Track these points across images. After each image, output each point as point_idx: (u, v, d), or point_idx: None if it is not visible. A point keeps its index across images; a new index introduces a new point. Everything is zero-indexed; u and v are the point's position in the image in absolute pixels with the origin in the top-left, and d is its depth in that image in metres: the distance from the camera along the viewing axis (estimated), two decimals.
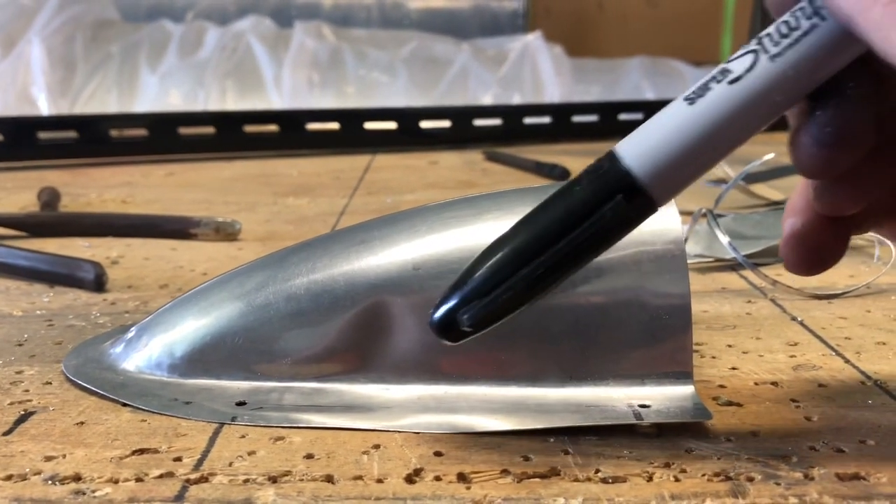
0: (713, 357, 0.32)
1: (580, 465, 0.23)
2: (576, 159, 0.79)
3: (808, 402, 0.27)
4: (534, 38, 1.31)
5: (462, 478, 0.23)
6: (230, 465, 0.23)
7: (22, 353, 0.33)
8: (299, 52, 1.22)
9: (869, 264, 0.44)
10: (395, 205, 0.63)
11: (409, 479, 0.23)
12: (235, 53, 1.22)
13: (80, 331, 0.35)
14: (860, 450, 0.24)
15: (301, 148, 0.92)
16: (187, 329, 0.29)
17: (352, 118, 0.94)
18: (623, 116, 1.02)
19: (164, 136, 0.87)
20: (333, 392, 0.27)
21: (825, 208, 0.23)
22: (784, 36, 0.19)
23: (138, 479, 0.23)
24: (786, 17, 0.19)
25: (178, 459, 0.24)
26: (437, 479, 0.23)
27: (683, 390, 0.26)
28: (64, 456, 0.24)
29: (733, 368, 0.30)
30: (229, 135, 0.89)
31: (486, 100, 1.24)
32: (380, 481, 0.22)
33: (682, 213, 0.24)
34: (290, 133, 0.92)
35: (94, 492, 0.22)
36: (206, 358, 0.28)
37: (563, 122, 1.00)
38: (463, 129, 0.97)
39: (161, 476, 0.23)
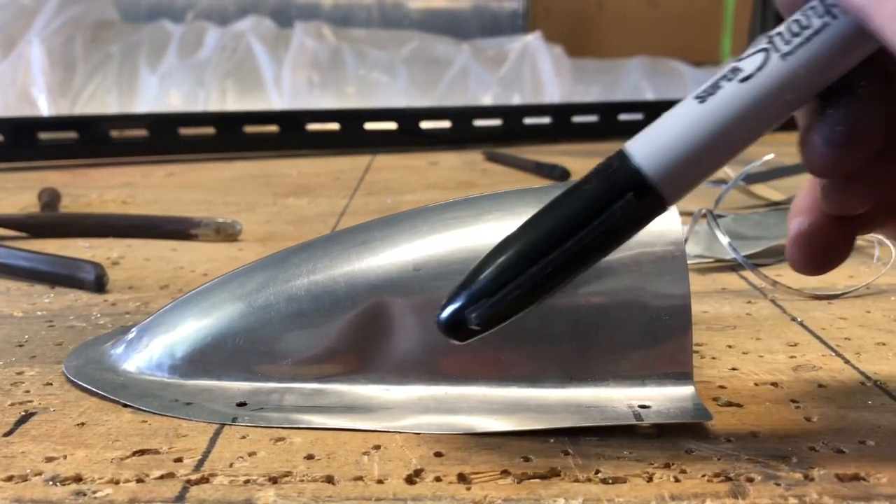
0: (713, 358, 0.32)
1: (580, 465, 0.23)
2: (576, 160, 0.79)
3: (807, 403, 0.27)
4: (534, 39, 1.31)
5: (462, 478, 0.23)
6: (231, 465, 0.23)
7: (23, 353, 0.33)
8: (299, 53, 1.22)
9: (869, 265, 0.44)
10: (395, 205, 0.63)
11: (410, 480, 0.23)
12: (235, 54, 1.22)
13: (81, 332, 0.35)
14: (860, 450, 0.24)
15: (301, 148, 0.92)
16: (188, 330, 0.29)
17: (352, 118, 0.94)
18: (623, 117, 1.02)
19: (164, 137, 0.87)
20: (334, 393, 0.27)
21: (833, 207, 0.23)
22: (795, 34, 0.19)
23: (139, 480, 0.23)
24: (797, 15, 0.19)
25: (179, 460, 0.24)
26: (438, 479, 0.23)
27: (683, 391, 0.26)
28: (65, 457, 0.24)
29: (733, 369, 0.30)
30: (229, 135, 0.89)
31: (486, 100, 1.24)
32: (380, 482, 0.22)
33: (682, 213, 0.24)
34: (290, 133, 0.92)
35: (94, 493, 0.22)
36: (206, 359, 0.28)
37: (562, 123, 1.01)
38: (463, 130, 0.97)
39: (162, 477, 0.23)
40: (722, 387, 0.29)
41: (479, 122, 0.98)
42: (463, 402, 0.26)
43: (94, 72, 1.19)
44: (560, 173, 0.72)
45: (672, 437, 0.25)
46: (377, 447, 0.25)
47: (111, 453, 0.24)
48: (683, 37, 1.95)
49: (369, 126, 0.94)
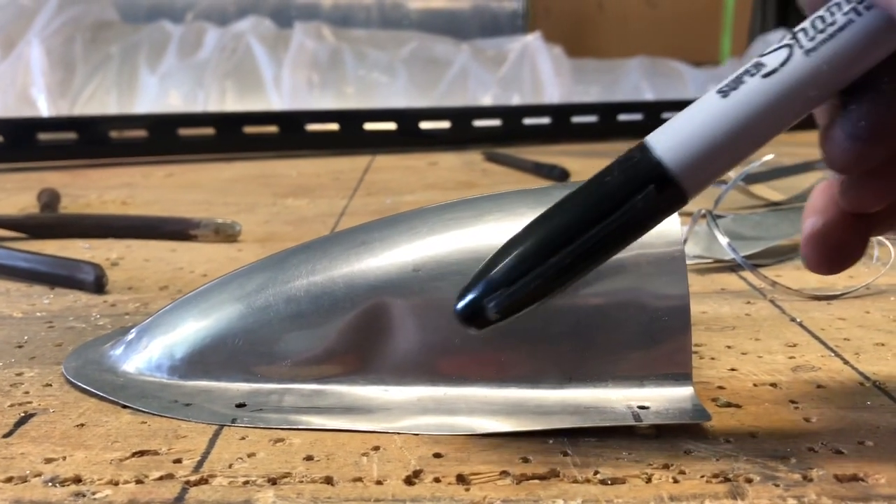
0: (712, 358, 0.32)
1: (579, 466, 0.23)
2: (575, 160, 0.79)
3: (806, 404, 0.27)
4: (533, 39, 1.31)
5: (461, 479, 0.23)
6: (230, 466, 0.23)
7: (22, 354, 0.33)
8: (299, 53, 1.22)
9: (868, 265, 0.44)
10: (394, 205, 0.63)
11: (409, 481, 0.23)
12: (235, 54, 1.23)
13: (81, 332, 0.35)
14: (859, 451, 0.24)
15: (301, 149, 0.92)
16: (187, 331, 0.29)
17: (351, 119, 0.94)
18: (622, 117, 1.02)
19: (163, 137, 0.87)
20: (333, 394, 0.27)
21: (851, 204, 0.23)
22: (819, 31, 0.19)
23: (138, 481, 0.23)
24: (821, 12, 0.20)
25: (178, 461, 0.24)
26: (437, 480, 0.23)
27: (682, 391, 0.26)
28: (64, 458, 0.24)
29: (732, 369, 0.30)
30: (229, 136, 0.89)
31: (486, 100, 1.24)
32: (379, 483, 0.23)
33: (682, 214, 0.24)
34: (290, 134, 0.92)
35: (94, 494, 0.22)
36: (206, 360, 0.28)
37: (562, 123, 1.01)
38: (462, 130, 0.97)
39: (161, 478, 0.23)
40: (721, 387, 0.29)
41: (478, 123, 0.98)
42: (462, 403, 0.26)
43: (93, 72, 1.19)
44: (559, 173, 0.72)
45: (671, 438, 0.25)
46: (376, 448, 0.25)
47: (110, 454, 0.24)
48: (683, 37, 1.95)
49: (369, 126, 0.94)
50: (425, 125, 0.96)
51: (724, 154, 0.20)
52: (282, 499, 0.22)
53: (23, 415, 0.27)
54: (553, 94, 1.26)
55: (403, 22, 1.71)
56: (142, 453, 0.24)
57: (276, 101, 1.20)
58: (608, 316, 0.26)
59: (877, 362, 0.31)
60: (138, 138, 0.87)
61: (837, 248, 0.24)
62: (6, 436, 0.26)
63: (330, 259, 0.29)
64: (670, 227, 0.27)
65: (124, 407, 0.27)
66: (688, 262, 0.39)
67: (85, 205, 0.65)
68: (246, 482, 0.23)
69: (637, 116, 1.02)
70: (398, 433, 0.25)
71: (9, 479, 0.23)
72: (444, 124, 0.96)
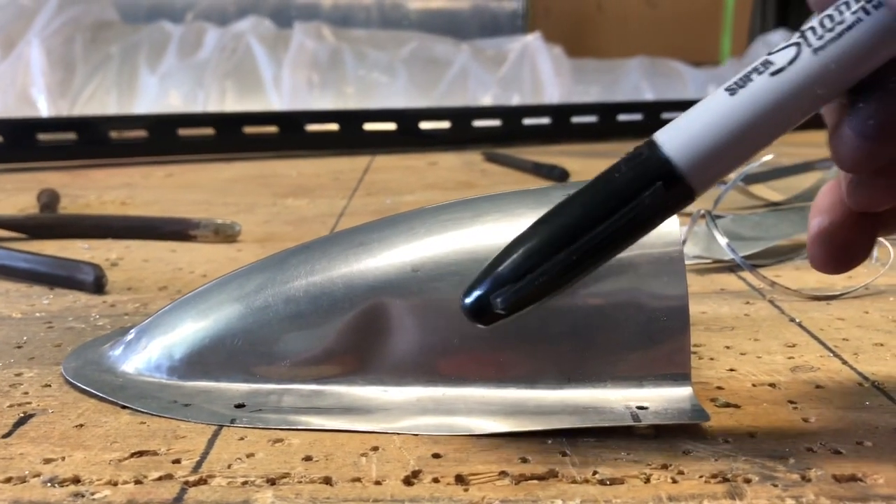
0: (711, 358, 0.32)
1: (578, 466, 0.23)
2: (575, 160, 0.79)
3: (805, 404, 0.27)
4: (533, 39, 1.32)
5: (460, 480, 0.23)
6: (229, 467, 0.23)
7: (21, 355, 0.33)
8: (299, 53, 1.22)
9: (867, 265, 0.44)
10: (394, 206, 0.63)
11: (408, 481, 0.23)
12: (235, 54, 1.23)
13: (80, 333, 0.35)
14: (857, 451, 0.24)
15: (300, 149, 0.92)
16: (186, 331, 0.29)
17: (351, 119, 0.94)
18: (622, 117, 1.02)
19: (163, 138, 0.87)
20: (332, 394, 0.27)
21: (859, 203, 0.23)
22: (828, 30, 0.19)
23: (137, 482, 0.23)
24: (829, 10, 0.20)
25: (177, 461, 0.24)
26: (436, 480, 0.23)
27: (681, 392, 0.26)
28: (63, 458, 0.24)
29: (731, 370, 0.30)
30: (229, 136, 0.89)
31: (486, 100, 1.24)
32: (378, 483, 0.23)
33: (681, 214, 0.24)
34: (290, 134, 0.92)
35: (93, 494, 0.22)
36: (205, 360, 0.28)
37: (562, 123, 1.01)
38: (462, 130, 0.97)
39: (160, 478, 0.23)
40: (720, 387, 0.29)
41: (478, 123, 0.98)
42: (461, 404, 0.27)
43: (93, 72, 1.19)
44: (559, 174, 0.72)
45: (670, 438, 0.25)
46: (375, 448, 0.25)
47: (109, 455, 0.24)
48: (683, 37, 1.95)
49: (369, 126, 0.94)
50: (425, 125, 0.96)
51: (732, 152, 0.20)
52: (280, 499, 0.22)
53: (22, 415, 0.27)
54: (553, 94, 1.26)
55: (403, 22, 1.71)
56: (141, 454, 0.24)
57: (276, 102, 1.20)
58: (607, 316, 0.26)
59: (876, 362, 0.31)
60: (138, 138, 0.87)
61: (844, 247, 0.24)
62: (5, 436, 0.26)
63: (329, 259, 0.29)
64: (669, 228, 0.27)
65: (123, 407, 0.27)
66: (687, 262, 0.39)
67: (84, 205, 0.65)
68: (245, 482, 0.23)
69: (637, 117, 1.02)
70: (397, 433, 0.25)
71: (8, 480, 0.23)
72: (444, 124, 0.96)
